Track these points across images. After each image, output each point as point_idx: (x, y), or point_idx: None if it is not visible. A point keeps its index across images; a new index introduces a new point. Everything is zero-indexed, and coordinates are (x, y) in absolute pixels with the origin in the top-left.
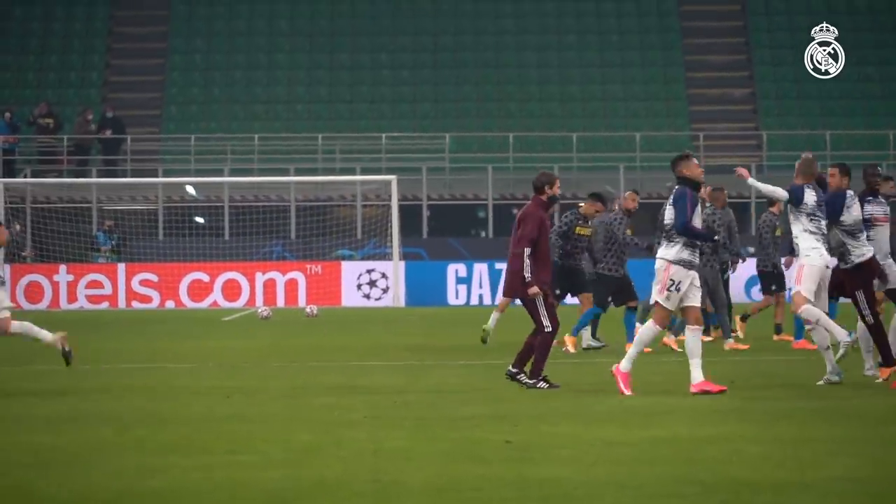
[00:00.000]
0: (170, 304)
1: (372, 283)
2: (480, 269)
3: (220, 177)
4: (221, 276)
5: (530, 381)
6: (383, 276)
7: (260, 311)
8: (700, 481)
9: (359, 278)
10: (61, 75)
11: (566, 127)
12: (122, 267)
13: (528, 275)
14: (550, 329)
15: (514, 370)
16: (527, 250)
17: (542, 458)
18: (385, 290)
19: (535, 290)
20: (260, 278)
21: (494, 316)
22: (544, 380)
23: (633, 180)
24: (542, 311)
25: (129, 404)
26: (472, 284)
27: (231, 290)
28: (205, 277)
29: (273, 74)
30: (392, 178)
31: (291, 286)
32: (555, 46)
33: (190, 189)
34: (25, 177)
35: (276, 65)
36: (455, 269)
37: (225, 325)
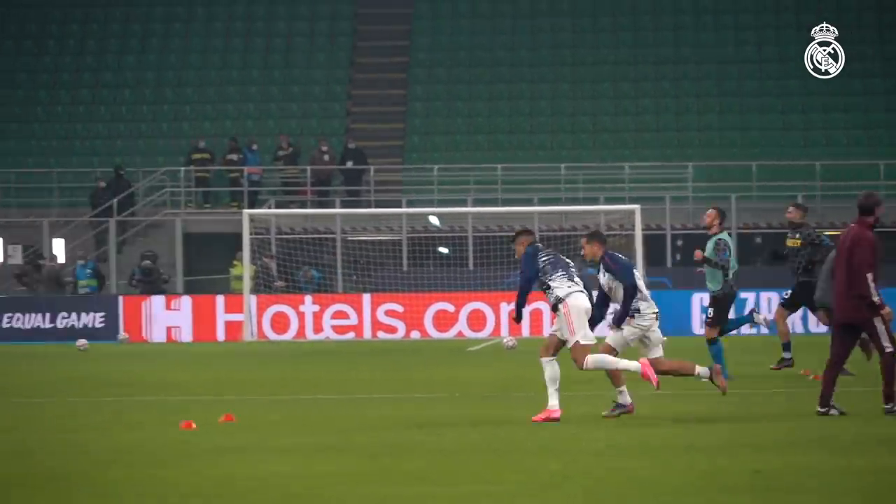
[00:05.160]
0: (415, 335)
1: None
2: None
3: (464, 207)
4: (466, 306)
5: (887, 406)
6: None
7: (505, 341)
8: None
9: None
10: (304, 107)
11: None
12: (367, 297)
13: (877, 297)
14: (892, 349)
15: (889, 405)
16: (869, 275)
17: (789, 488)
18: None
19: (888, 310)
20: (505, 308)
21: None
22: None
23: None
24: (884, 334)
25: (375, 436)
26: None
27: (476, 320)
28: (450, 307)
29: (515, 105)
30: (636, 207)
31: (536, 316)
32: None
33: (433, 219)
34: (270, 207)
35: (518, 95)
36: (700, 298)
37: (470, 356)
